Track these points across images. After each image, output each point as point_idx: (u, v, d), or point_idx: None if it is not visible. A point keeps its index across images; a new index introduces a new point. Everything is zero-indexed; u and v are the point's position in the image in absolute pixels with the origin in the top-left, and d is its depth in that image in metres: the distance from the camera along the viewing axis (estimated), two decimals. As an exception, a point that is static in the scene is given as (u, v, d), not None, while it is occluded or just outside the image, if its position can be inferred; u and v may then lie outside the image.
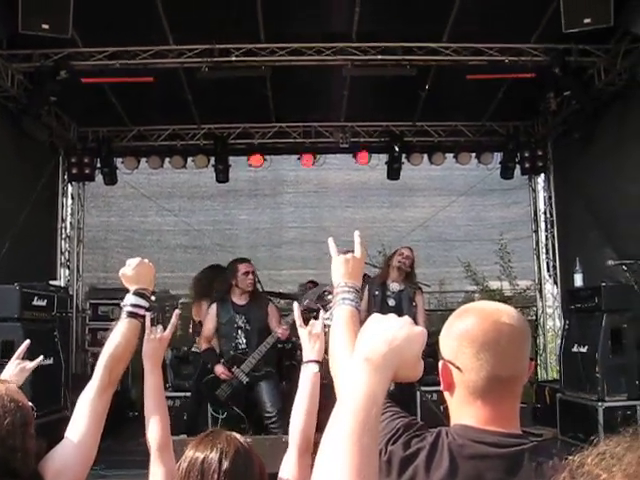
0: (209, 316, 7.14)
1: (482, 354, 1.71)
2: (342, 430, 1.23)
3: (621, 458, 0.97)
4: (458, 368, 1.74)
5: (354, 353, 1.39)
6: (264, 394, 6.80)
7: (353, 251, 2.35)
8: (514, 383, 1.77)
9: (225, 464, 2.03)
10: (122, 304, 2.49)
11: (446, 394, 1.83)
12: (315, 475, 1.22)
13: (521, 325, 1.78)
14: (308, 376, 2.65)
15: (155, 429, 2.61)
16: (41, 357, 3.03)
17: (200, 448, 2.10)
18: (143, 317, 2.50)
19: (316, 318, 2.83)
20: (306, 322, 2.84)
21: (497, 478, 1.63)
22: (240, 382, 6.80)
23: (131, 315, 2.46)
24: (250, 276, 7.02)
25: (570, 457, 1.06)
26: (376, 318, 1.47)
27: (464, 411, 1.76)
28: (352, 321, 2.09)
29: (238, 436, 2.18)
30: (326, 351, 2.36)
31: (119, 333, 2.42)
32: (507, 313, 1.78)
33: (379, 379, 1.32)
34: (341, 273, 2.28)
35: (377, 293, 7.44)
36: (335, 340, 2.10)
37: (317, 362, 2.67)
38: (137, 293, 2.50)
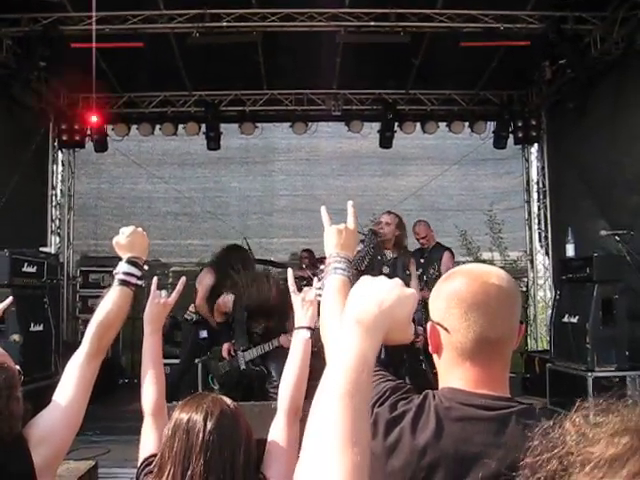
0: (227, 296, 7.17)
1: (470, 315, 1.68)
2: (333, 391, 1.22)
3: (609, 421, 0.95)
4: (446, 329, 1.72)
5: (344, 315, 1.37)
6: (269, 364, 6.85)
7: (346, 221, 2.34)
8: (503, 345, 1.74)
9: (210, 424, 2.03)
10: (114, 272, 2.46)
11: (434, 356, 1.81)
12: (306, 435, 1.21)
13: (510, 287, 1.76)
14: (299, 342, 2.63)
15: (150, 394, 2.60)
16: (10, 298, 2.96)
17: (185, 409, 2.11)
18: (135, 285, 2.47)
19: (310, 285, 2.81)
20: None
21: (485, 440, 1.61)
22: (238, 366, 6.88)
23: (123, 283, 2.43)
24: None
25: (552, 421, 1.05)
26: (366, 280, 1.44)
27: (452, 373, 1.75)
28: (343, 290, 2.06)
29: (225, 398, 2.18)
30: (318, 319, 2.34)
31: (110, 300, 2.39)
32: (496, 274, 1.76)
33: (370, 341, 1.30)
34: (334, 244, 2.28)
35: (379, 258, 7.14)
36: (326, 308, 2.10)
37: (309, 328, 2.65)
38: (130, 261, 2.47)
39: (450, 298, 1.73)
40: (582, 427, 0.98)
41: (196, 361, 8.49)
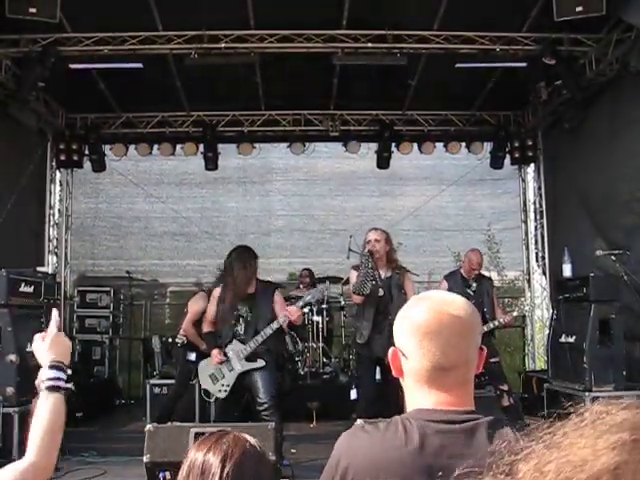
0: (213, 299, 6.93)
1: (424, 342, 1.73)
2: None
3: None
4: (404, 355, 1.79)
5: None
6: (258, 380, 6.67)
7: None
8: (458, 372, 1.77)
9: (228, 467, 1.83)
10: (38, 381, 2.23)
11: (400, 380, 1.86)
12: None
13: (468, 316, 1.79)
14: None
15: None
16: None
17: (202, 448, 1.91)
18: (65, 390, 2.31)
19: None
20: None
21: (453, 452, 1.64)
22: (233, 369, 6.73)
23: (53, 389, 2.20)
24: (251, 286, 6.79)
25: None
26: None
27: (416, 396, 1.80)
28: None
29: (248, 437, 1.97)
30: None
31: (47, 410, 2.17)
32: (455, 304, 1.80)
33: None
34: None
35: (375, 282, 6.91)
36: None
37: None
38: (53, 366, 2.33)
39: (408, 325, 1.79)
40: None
41: (193, 382, 8.46)
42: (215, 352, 6.74)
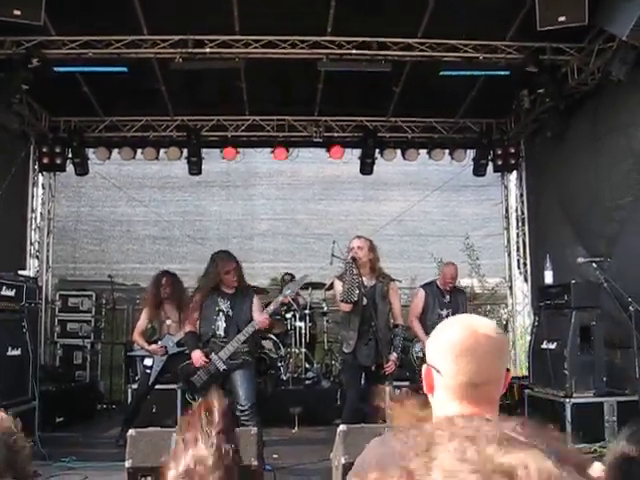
0: (194, 304, 7.03)
1: (460, 360, 1.85)
2: None
3: None
4: (438, 372, 1.90)
5: None
6: (239, 386, 6.70)
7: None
8: (489, 389, 1.89)
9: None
10: None
11: (429, 396, 1.97)
12: None
13: (499, 337, 1.94)
14: None
15: None
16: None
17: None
18: None
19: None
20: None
21: None
22: (217, 369, 6.74)
23: None
24: (232, 274, 6.89)
25: None
26: None
27: (445, 409, 1.89)
28: None
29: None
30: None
31: None
32: (486, 325, 1.94)
33: None
34: None
35: (359, 291, 6.89)
36: None
37: None
38: None
39: (443, 344, 1.92)
40: None
41: (175, 387, 8.47)
42: (197, 354, 6.76)
